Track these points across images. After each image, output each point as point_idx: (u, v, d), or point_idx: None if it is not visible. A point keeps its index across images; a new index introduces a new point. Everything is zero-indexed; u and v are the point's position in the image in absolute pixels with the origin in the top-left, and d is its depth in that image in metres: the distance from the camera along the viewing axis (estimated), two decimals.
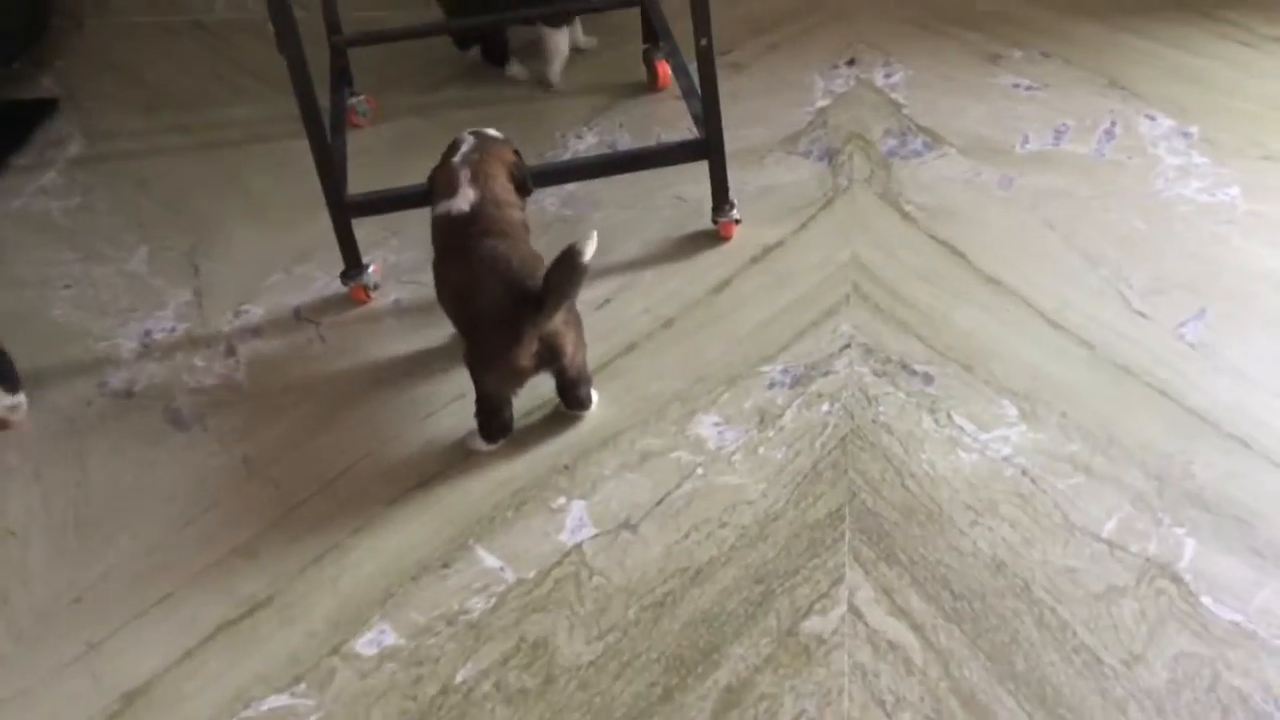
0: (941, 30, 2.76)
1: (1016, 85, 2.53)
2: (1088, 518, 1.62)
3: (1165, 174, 2.22)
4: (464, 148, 1.87)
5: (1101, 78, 2.52)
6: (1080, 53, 2.61)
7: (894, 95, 2.54)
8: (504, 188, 1.84)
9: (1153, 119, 2.37)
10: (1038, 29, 2.71)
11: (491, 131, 1.92)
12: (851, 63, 2.67)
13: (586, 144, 2.48)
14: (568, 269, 1.64)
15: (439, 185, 1.85)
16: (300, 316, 2.13)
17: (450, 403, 1.90)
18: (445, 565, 1.66)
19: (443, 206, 1.82)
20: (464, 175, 1.82)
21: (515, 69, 2.72)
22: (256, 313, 2.15)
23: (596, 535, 1.68)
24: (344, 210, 2.03)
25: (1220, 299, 1.94)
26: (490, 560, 1.66)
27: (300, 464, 1.84)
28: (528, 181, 1.90)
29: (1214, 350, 1.85)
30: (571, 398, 1.83)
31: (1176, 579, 1.53)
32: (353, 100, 2.57)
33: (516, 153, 1.92)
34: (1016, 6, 2.80)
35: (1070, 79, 2.53)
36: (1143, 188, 2.19)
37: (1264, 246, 2.03)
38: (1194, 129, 2.33)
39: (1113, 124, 2.37)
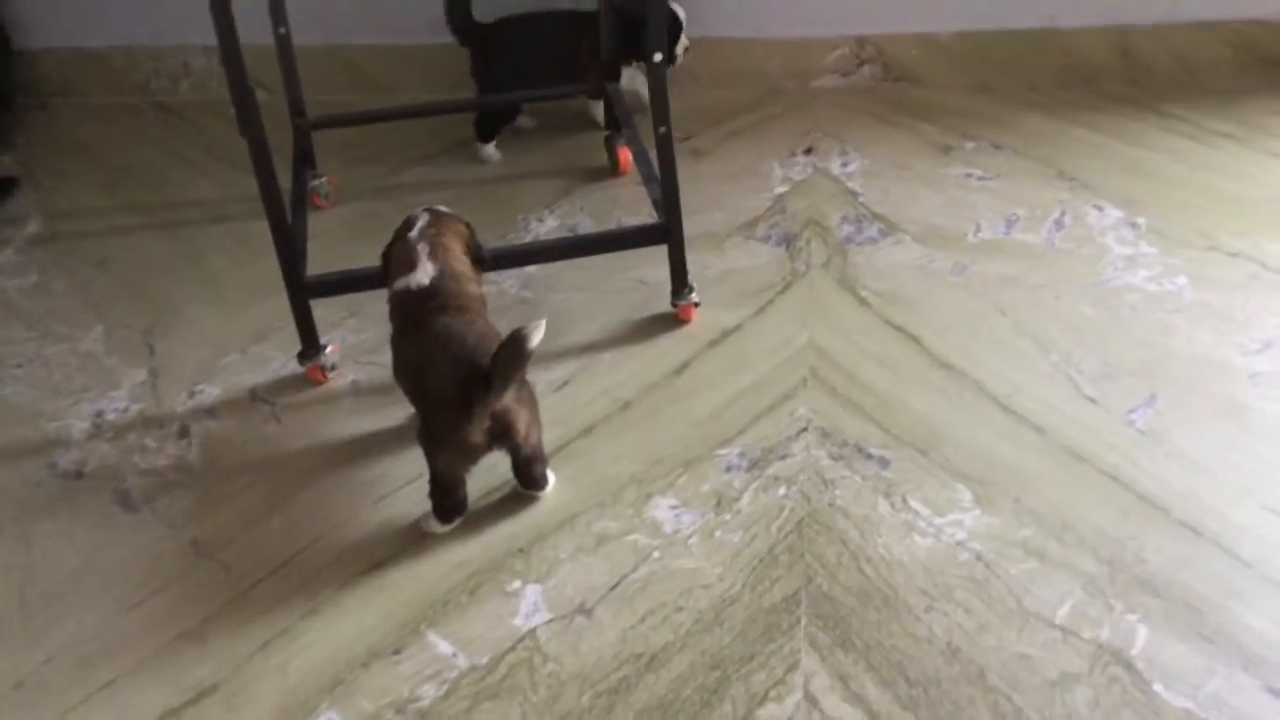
0: (896, 122, 2.83)
1: (969, 175, 2.59)
2: (1041, 604, 1.62)
3: (1114, 263, 2.27)
4: (419, 223, 1.87)
5: (1051, 169, 2.58)
6: (1030, 145, 2.68)
7: (850, 184, 2.59)
8: (461, 261, 1.85)
9: (1101, 209, 2.43)
10: (989, 122, 2.78)
11: (443, 208, 1.93)
12: (809, 151, 2.73)
13: (548, 227, 2.51)
14: (513, 353, 1.65)
15: (397, 261, 1.85)
16: (256, 397, 2.12)
17: (406, 485, 1.89)
18: (396, 651, 1.64)
19: (401, 282, 1.82)
20: (422, 250, 1.82)
21: (490, 151, 2.76)
22: (211, 393, 2.13)
23: (551, 620, 1.66)
24: (302, 291, 2.03)
25: (1169, 386, 1.97)
26: (443, 646, 1.64)
27: (251, 547, 1.81)
28: (483, 255, 1.91)
29: (1164, 437, 1.87)
30: (526, 477, 1.82)
31: (1129, 666, 1.54)
32: (314, 182, 2.59)
33: (468, 226, 1.93)
34: (969, 100, 2.88)
35: (1021, 170, 2.59)
36: (1092, 276, 2.24)
37: (1211, 335, 2.07)
38: (1142, 220, 2.38)
39: (1062, 214, 2.43)
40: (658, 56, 1.98)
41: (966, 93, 2.91)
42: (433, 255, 1.82)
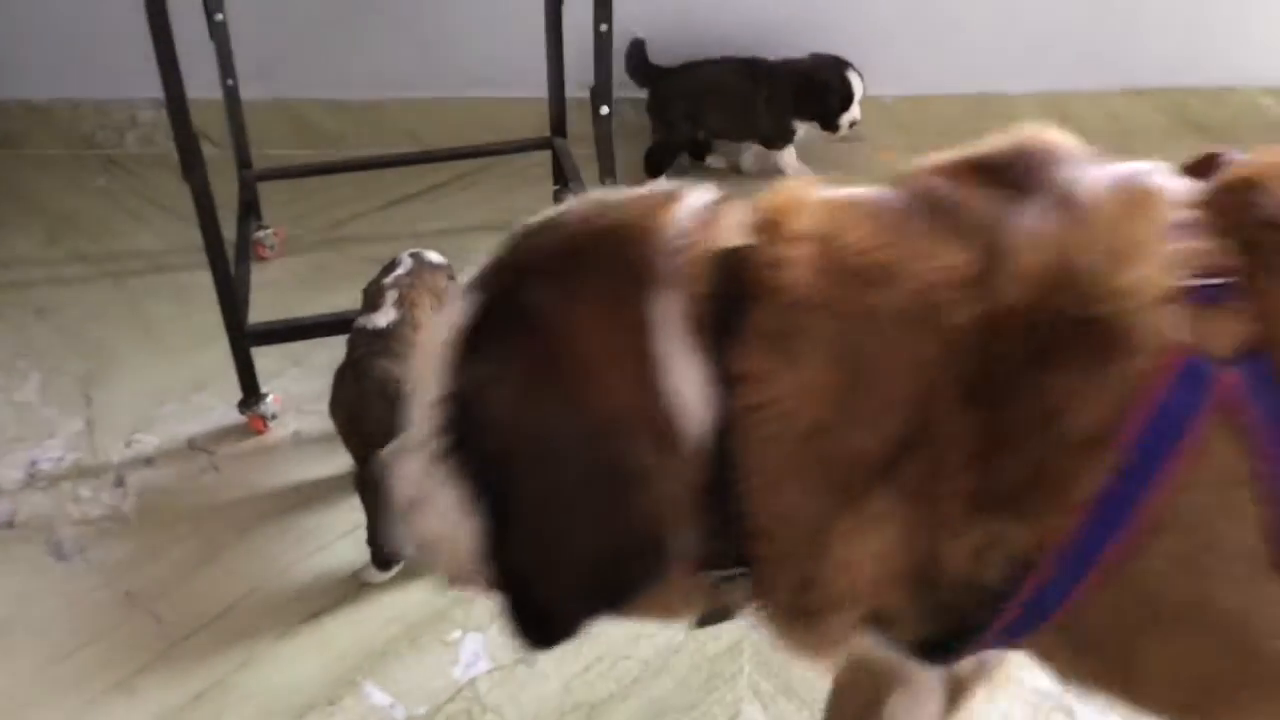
0: (843, 182, 2.86)
1: None
2: None
3: None
4: (398, 270, 1.89)
5: None
6: None
7: None
8: (427, 315, 1.85)
9: None
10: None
11: (431, 256, 1.94)
12: None
13: None
14: None
15: (367, 298, 1.88)
16: (194, 446, 2.09)
17: (345, 535, 1.86)
18: (332, 702, 1.60)
19: (361, 320, 1.83)
20: (389, 296, 1.83)
21: (715, 160, 2.92)
22: (150, 442, 2.10)
23: (492, 670, 1.64)
24: (243, 338, 2.01)
25: None
26: (379, 697, 1.61)
27: (185, 598, 1.78)
28: None
29: None
30: None
31: (1069, 713, 1.54)
32: (260, 233, 2.58)
33: (453, 278, 1.93)
34: (911, 161, 2.92)
35: None
36: None
37: None
38: None
39: None
40: (604, 110, 2.00)
41: (909, 155, 2.94)
42: (399, 303, 1.82)
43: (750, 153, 2.88)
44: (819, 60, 2.75)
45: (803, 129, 2.80)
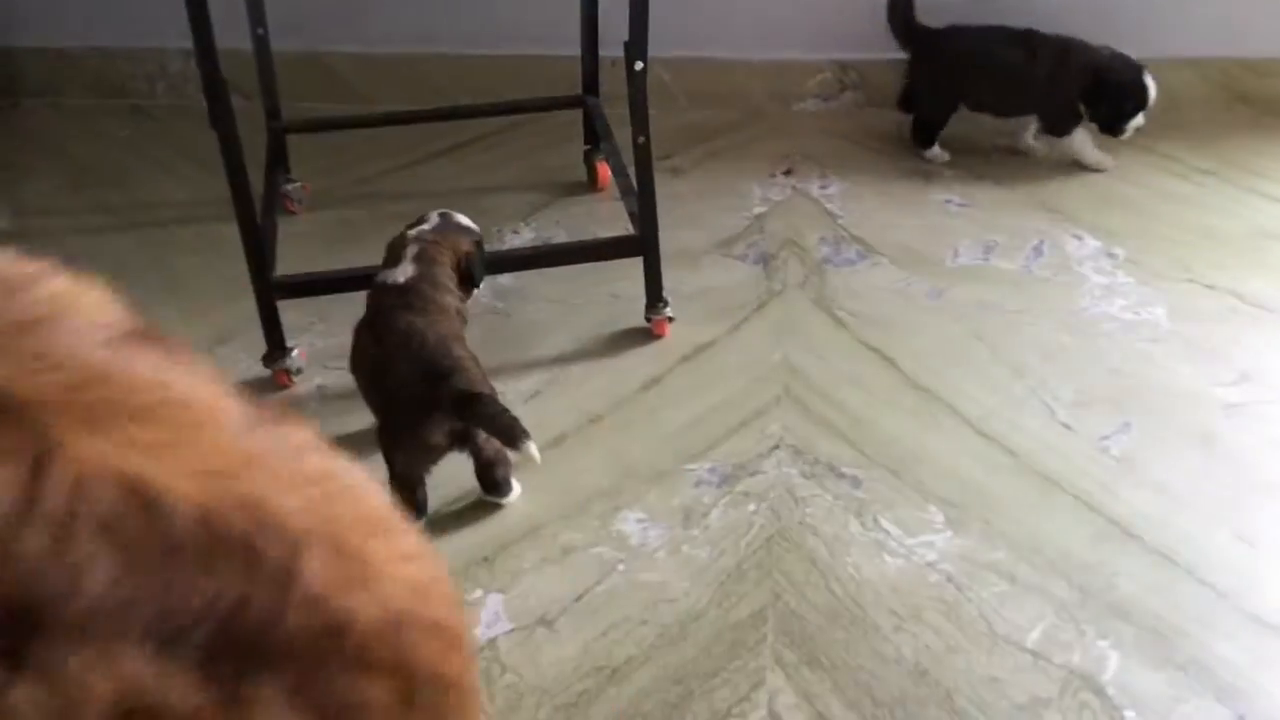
0: (877, 147, 2.82)
1: (948, 201, 2.58)
2: (1012, 627, 1.59)
3: (1091, 292, 2.26)
4: (424, 225, 1.87)
5: (1030, 198, 2.58)
6: (1010, 174, 2.67)
7: (829, 206, 2.58)
8: (446, 274, 1.83)
9: (1080, 239, 2.42)
10: (970, 149, 2.78)
11: (460, 218, 1.92)
12: (789, 173, 2.71)
13: (523, 239, 2.48)
14: (496, 426, 1.66)
15: (389, 253, 1.86)
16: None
17: None
18: None
19: (381, 275, 1.82)
20: (410, 251, 1.82)
21: (936, 153, 2.73)
22: None
23: (512, 630, 1.62)
24: (269, 290, 1.99)
25: (1144, 414, 1.95)
26: None
27: None
28: (475, 277, 1.88)
29: (1138, 464, 1.85)
30: (489, 481, 1.79)
31: (1100, 692, 1.51)
32: (288, 186, 2.56)
33: (479, 243, 1.91)
34: (950, 127, 2.87)
35: (1000, 198, 2.58)
36: (1069, 304, 2.23)
37: (1186, 365, 2.06)
38: (1120, 250, 2.38)
39: (1041, 242, 2.42)
40: (639, 65, 1.95)
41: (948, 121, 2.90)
42: (418, 258, 1.81)
43: (1029, 132, 2.71)
44: (1116, 58, 2.56)
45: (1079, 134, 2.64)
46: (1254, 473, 1.83)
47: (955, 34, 2.65)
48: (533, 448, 1.64)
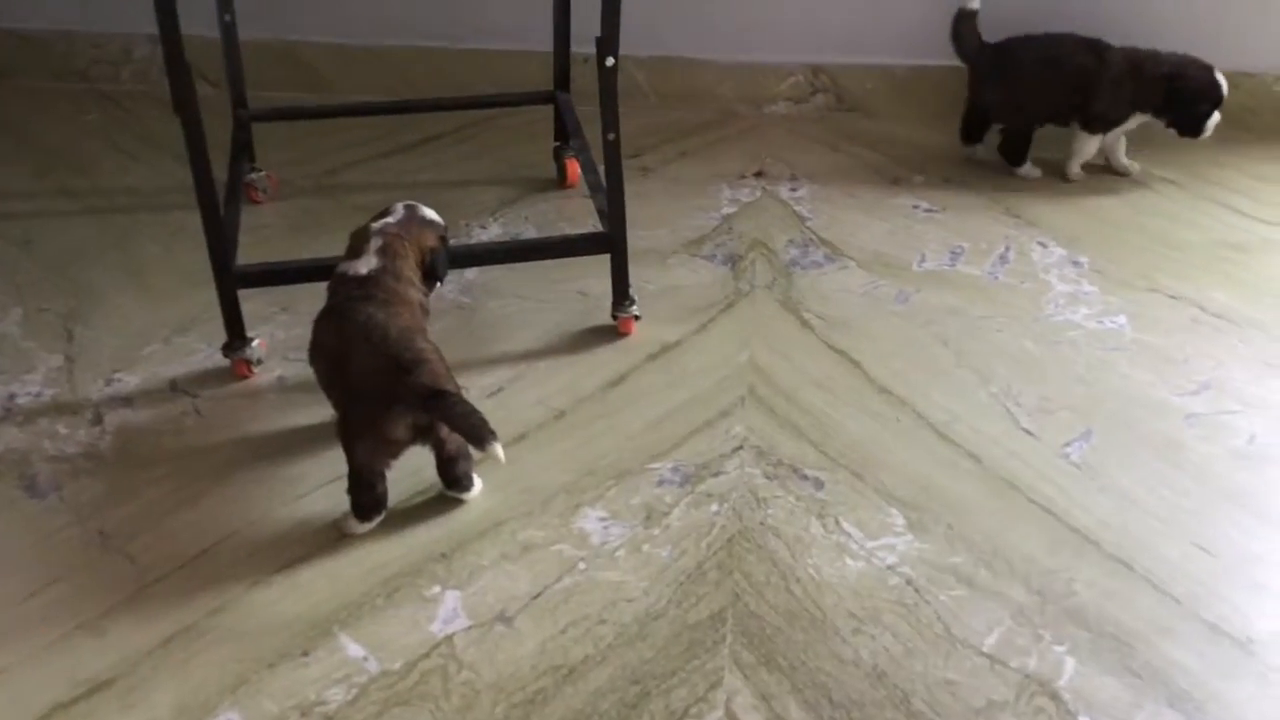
0: (846, 151, 2.83)
1: (916, 206, 2.59)
2: (969, 631, 1.59)
3: (1055, 300, 2.27)
4: (389, 218, 1.85)
5: (997, 205, 2.59)
6: (978, 180, 2.68)
7: (798, 208, 2.58)
8: (410, 268, 1.82)
9: (1045, 246, 2.43)
10: (938, 155, 2.79)
11: (426, 211, 1.90)
12: (759, 174, 2.71)
13: (491, 234, 2.47)
14: (464, 425, 1.64)
15: (352, 243, 1.84)
16: (176, 388, 2.04)
17: (326, 484, 1.82)
18: (305, 653, 1.57)
19: (342, 266, 1.80)
20: (373, 244, 1.80)
21: (1029, 169, 2.69)
22: (130, 382, 2.06)
23: (469, 627, 1.60)
24: (230, 279, 1.96)
25: (1105, 422, 1.96)
26: (354, 649, 1.57)
27: (159, 540, 1.74)
28: (438, 272, 1.87)
29: (1098, 472, 1.86)
30: (450, 476, 1.77)
31: (1055, 697, 1.51)
32: (253, 175, 2.53)
33: (444, 239, 1.89)
34: (919, 133, 2.89)
35: (967, 204, 2.59)
36: (1034, 311, 2.24)
37: (1148, 374, 2.07)
38: (1084, 259, 2.39)
39: (1007, 249, 2.43)
40: (610, 62, 1.94)
41: (917, 126, 2.92)
42: (381, 251, 1.79)
43: (1121, 150, 2.69)
44: (1187, 63, 2.55)
45: (1135, 121, 2.62)
46: (1214, 482, 1.84)
47: (1020, 43, 2.62)
48: (499, 448, 1.63)
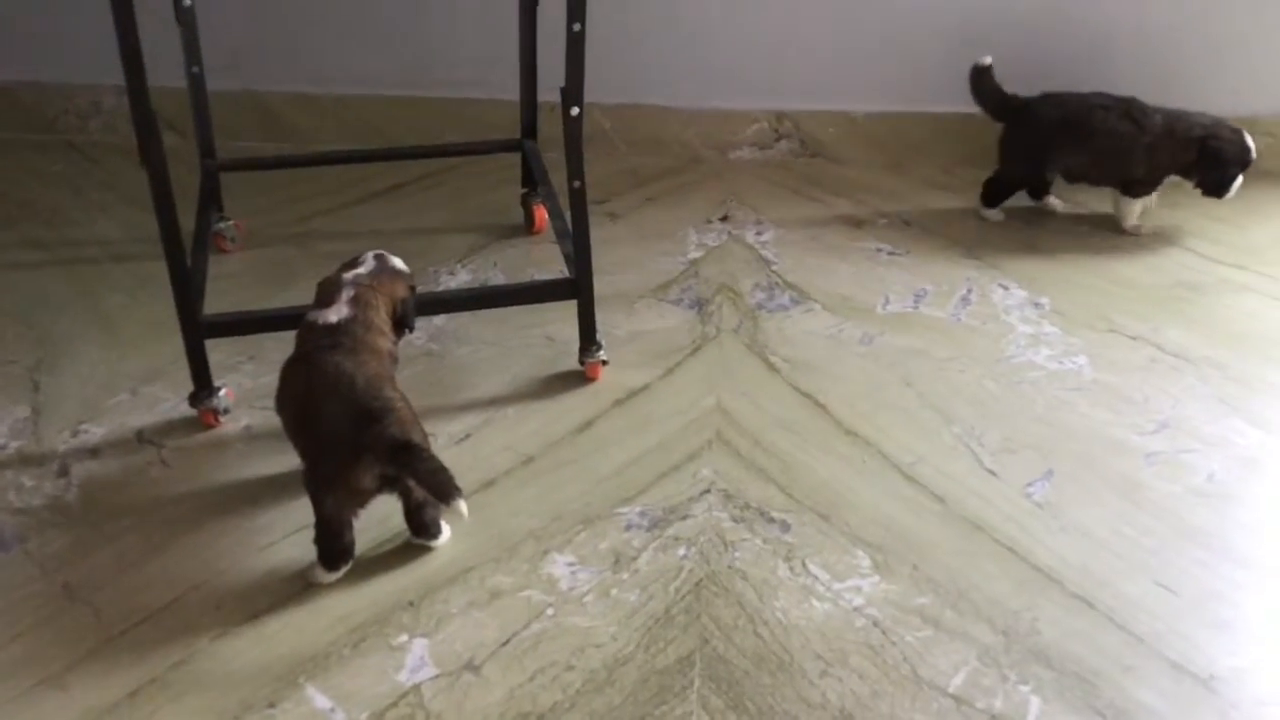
0: (811, 195, 2.87)
1: (880, 250, 2.62)
2: (936, 671, 1.60)
3: (1017, 341, 2.30)
4: (359, 268, 1.87)
5: (959, 248, 2.62)
6: (940, 223, 2.73)
7: (764, 252, 2.61)
8: (381, 318, 1.83)
9: (1007, 289, 2.47)
10: (901, 199, 2.83)
11: (395, 261, 1.92)
12: (725, 219, 2.74)
13: (459, 280, 2.48)
14: (429, 484, 1.63)
15: (321, 292, 1.85)
16: (143, 438, 2.04)
17: (293, 533, 1.82)
18: (271, 704, 1.56)
19: (312, 314, 1.80)
20: (344, 294, 1.81)
21: (993, 214, 2.73)
22: (96, 433, 2.05)
23: (437, 676, 1.60)
24: (196, 329, 1.97)
25: (1066, 461, 1.99)
26: (320, 700, 1.57)
27: (125, 592, 1.73)
28: (409, 321, 1.88)
29: (1060, 511, 1.88)
30: (418, 524, 1.77)
31: None
32: (221, 225, 2.54)
33: (412, 289, 1.91)
34: (883, 178, 2.93)
35: (930, 247, 2.63)
36: (996, 352, 2.27)
37: (1108, 413, 2.10)
38: (1045, 300, 2.43)
39: (969, 291, 2.46)
40: (575, 110, 1.97)
41: (880, 170, 2.97)
42: (352, 301, 1.80)
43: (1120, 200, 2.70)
44: (1219, 126, 2.59)
45: (1167, 182, 2.65)
46: (1174, 520, 1.87)
47: (1054, 102, 2.65)
48: (463, 505, 1.63)
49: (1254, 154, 2.59)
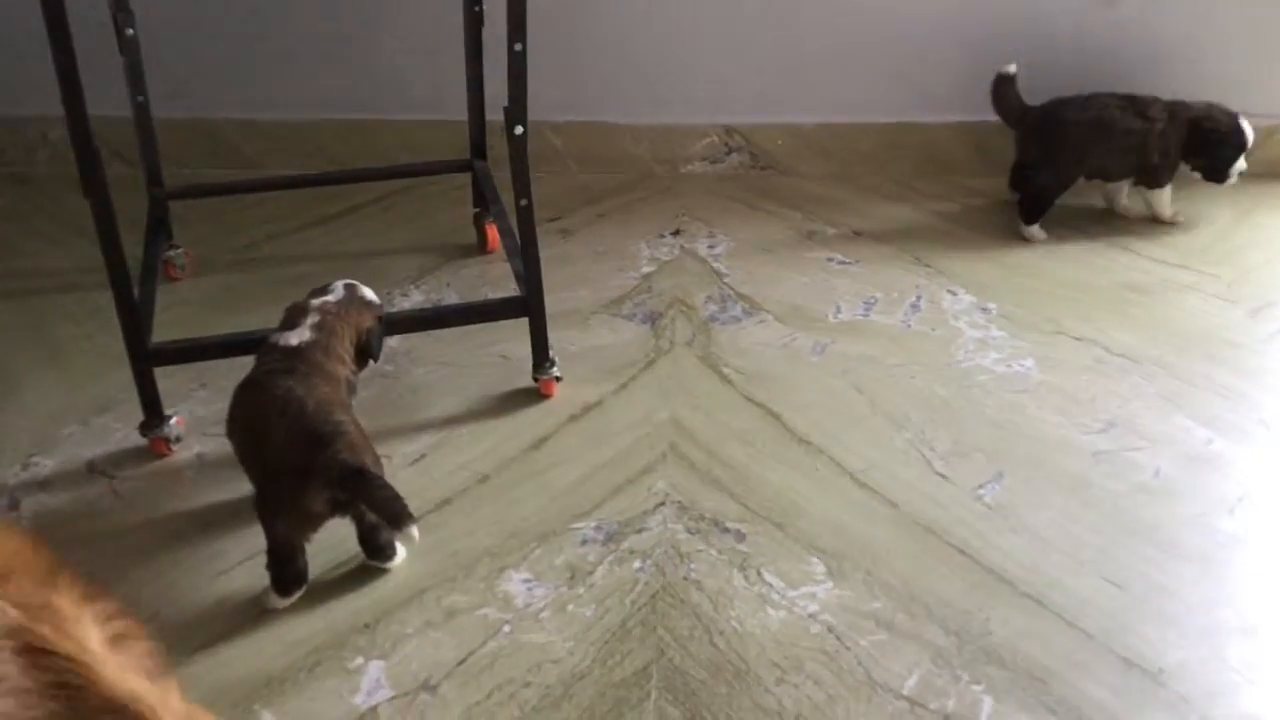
0: (762, 207, 2.89)
1: (830, 259, 2.65)
2: (889, 674, 1.62)
3: (966, 345, 2.33)
4: (328, 295, 1.87)
5: (908, 255, 2.65)
6: (889, 232, 2.76)
7: (716, 265, 2.63)
8: (344, 348, 1.83)
9: (955, 294, 2.50)
10: (850, 209, 2.86)
11: (365, 292, 1.93)
12: (677, 233, 2.76)
13: (413, 301, 2.49)
14: (381, 510, 1.64)
15: (285, 316, 1.86)
16: (94, 469, 2.03)
17: (246, 559, 1.81)
18: None
19: (274, 336, 1.81)
20: (309, 320, 1.82)
21: (1035, 232, 2.71)
22: (47, 465, 2.04)
23: (393, 697, 1.60)
24: (145, 358, 1.96)
25: (1016, 463, 2.01)
26: None
27: None
28: (373, 352, 1.88)
29: (1010, 512, 1.91)
30: (373, 546, 1.77)
31: None
32: (170, 253, 2.53)
33: (380, 319, 1.91)
34: (831, 188, 2.96)
35: (879, 255, 2.66)
36: (945, 357, 2.29)
37: (1055, 414, 2.13)
38: (993, 305, 2.46)
39: (918, 298, 2.49)
40: (519, 130, 1.98)
41: (829, 181, 3.00)
42: (317, 327, 1.80)
43: (1124, 193, 2.78)
44: (1213, 108, 2.66)
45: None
46: (1122, 517, 1.89)
47: (1067, 105, 2.68)
48: (414, 531, 1.64)
49: (1249, 136, 2.65)
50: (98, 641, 0.94)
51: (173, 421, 2.05)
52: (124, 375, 2.05)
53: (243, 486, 1.87)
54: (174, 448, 2.05)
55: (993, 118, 2.79)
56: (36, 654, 0.92)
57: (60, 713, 0.89)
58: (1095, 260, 2.64)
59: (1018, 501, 1.93)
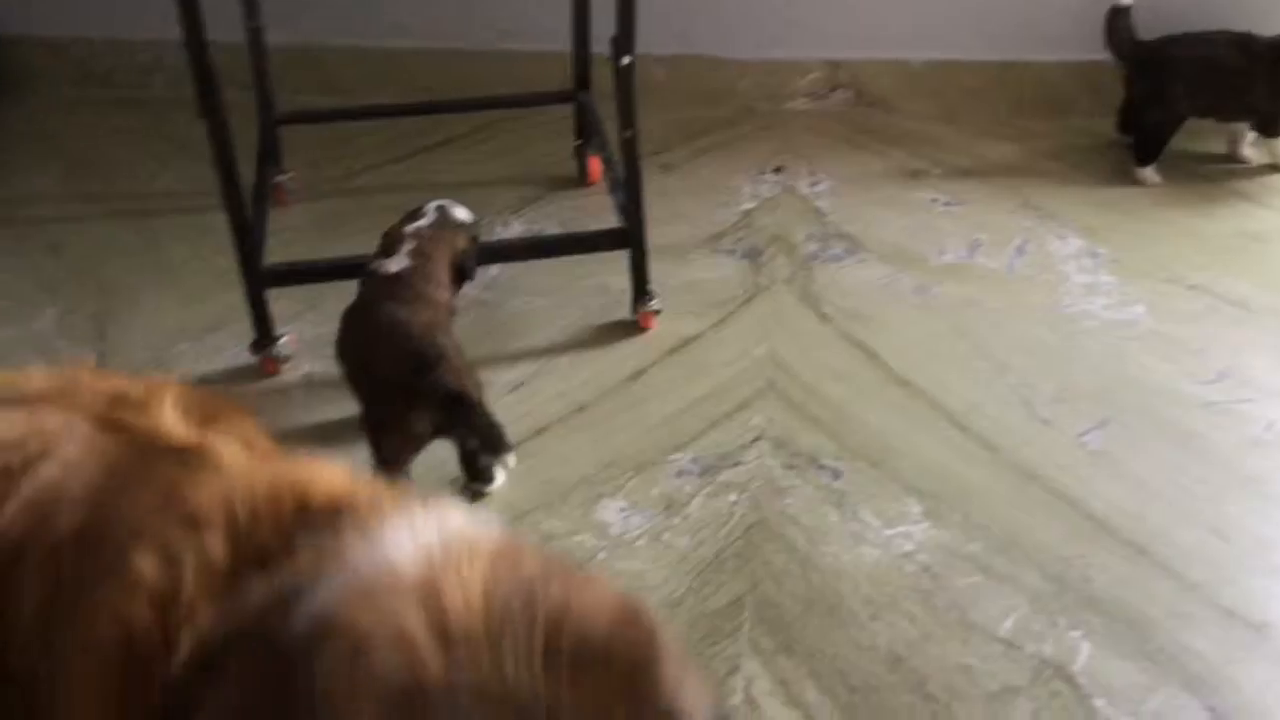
0: (866, 146, 2.84)
1: (935, 200, 2.60)
2: (985, 616, 1.61)
3: (1073, 290, 2.28)
4: (421, 220, 1.90)
5: (1015, 198, 2.60)
6: (996, 173, 2.70)
7: (818, 203, 2.60)
8: (440, 269, 1.86)
9: (1063, 238, 2.44)
10: (957, 149, 2.80)
11: (458, 211, 1.95)
12: (779, 170, 2.74)
13: (513, 232, 2.50)
14: (481, 436, 1.69)
15: (382, 244, 1.89)
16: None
17: None
18: None
19: (374, 264, 1.84)
20: (406, 246, 1.85)
21: (1149, 174, 2.65)
22: None
23: None
24: (258, 278, 2.01)
25: (1121, 411, 1.98)
26: None
27: None
28: (469, 272, 1.91)
29: (1114, 459, 1.88)
30: (473, 470, 1.81)
31: (1070, 681, 1.53)
32: (281, 177, 2.57)
33: (475, 239, 1.94)
34: (939, 127, 2.90)
35: (986, 197, 2.61)
36: (1051, 302, 2.25)
37: (1164, 363, 2.08)
38: (1102, 250, 2.40)
39: (1024, 241, 2.44)
40: (625, 60, 1.97)
41: (936, 120, 2.93)
42: (414, 252, 1.83)
43: (1244, 140, 2.67)
44: None
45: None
46: (1229, 469, 1.85)
47: (1176, 42, 2.60)
48: (511, 457, 1.67)
49: None
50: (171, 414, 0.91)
51: (283, 341, 2.10)
52: (234, 295, 2.11)
53: (349, 406, 1.92)
54: (284, 367, 2.11)
55: (1106, 57, 2.70)
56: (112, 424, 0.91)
57: (124, 455, 0.88)
58: (1211, 206, 2.55)
59: (1122, 450, 1.89)
